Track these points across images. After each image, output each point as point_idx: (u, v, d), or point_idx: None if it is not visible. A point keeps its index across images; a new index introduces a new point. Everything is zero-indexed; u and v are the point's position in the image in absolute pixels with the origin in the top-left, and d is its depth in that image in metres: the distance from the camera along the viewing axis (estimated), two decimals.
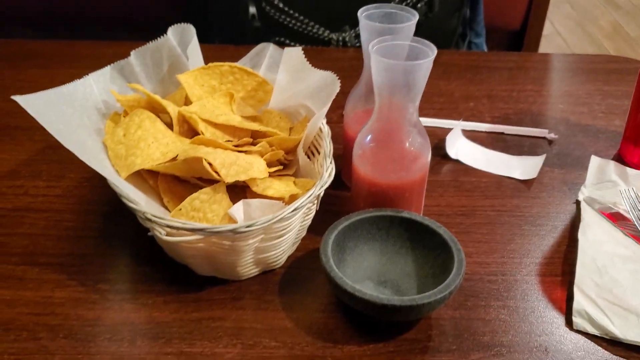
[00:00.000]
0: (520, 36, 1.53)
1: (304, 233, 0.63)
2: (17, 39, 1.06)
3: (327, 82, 0.64)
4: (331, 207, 0.67)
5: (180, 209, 0.55)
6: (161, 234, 0.52)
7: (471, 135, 0.80)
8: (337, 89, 0.62)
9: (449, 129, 0.80)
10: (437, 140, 0.79)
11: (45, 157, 0.76)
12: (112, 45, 1.02)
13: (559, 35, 2.82)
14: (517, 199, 0.70)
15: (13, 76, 0.94)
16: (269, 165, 0.62)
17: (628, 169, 0.72)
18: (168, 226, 0.52)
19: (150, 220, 0.52)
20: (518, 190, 0.71)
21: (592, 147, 0.79)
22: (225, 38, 1.11)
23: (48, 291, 0.57)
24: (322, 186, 0.57)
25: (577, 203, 0.69)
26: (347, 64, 0.97)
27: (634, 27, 2.84)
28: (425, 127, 0.82)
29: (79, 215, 0.66)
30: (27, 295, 0.57)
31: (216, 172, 0.56)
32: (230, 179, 0.56)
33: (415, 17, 0.61)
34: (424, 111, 0.85)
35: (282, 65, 0.68)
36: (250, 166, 0.58)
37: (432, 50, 0.55)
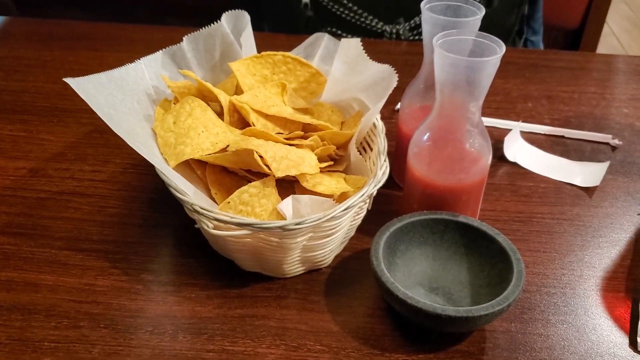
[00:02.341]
0: (577, 35, 1.48)
1: (353, 233, 0.60)
2: (68, 20, 1.06)
3: (384, 75, 0.62)
4: (380, 206, 0.64)
5: (229, 202, 0.53)
6: (209, 227, 0.50)
7: (530, 138, 0.76)
8: (395, 84, 0.60)
9: (506, 130, 0.76)
10: (494, 141, 0.75)
11: (91, 141, 0.75)
12: (163, 30, 1.01)
13: (613, 35, 2.72)
14: (577, 207, 0.66)
15: (63, 57, 0.94)
16: (320, 160, 0.60)
17: None
18: (216, 219, 0.50)
19: (198, 212, 0.50)
20: (579, 198, 0.68)
21: None
22: (277, 26, 1.09)
23: (91, 278, 0.56)
24: (375, 185, 0.55)
25: None
26: (400, 58, 0.94)
27: None
28: None
29: (124, 201, 0.65)
30: (69, 281, 0.56)
31: (267, 166, 0.54)
32: (280, 174, 0.54)
33: (481, 11, 0.58)
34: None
35: (337, 56, 0.65)
36: (302, 160, 0.56)
37: (500, 47, 0.52)
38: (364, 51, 0.64)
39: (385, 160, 0.57)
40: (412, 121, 0.64)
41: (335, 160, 0.63)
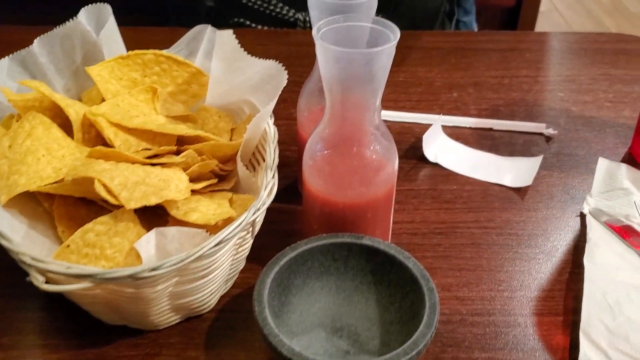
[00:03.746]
0: (515, 13, 1.41)
1: (243, 264, 0.50)
2: None
3: (271, 73, 0.52)
4: (284, 225, 0.55)
5: (69, 246, 0.43)
6: (39, 281, 0.40)
7: (453, 133, 0.67)
8: (284, 82, 0.50)
9: (428, 125, 0.67)
10: (414, 139, 0.66)
11: None
12: (46, 30, 0.89)
13: (556, 11, 2.68)
14: (507, 212, 0.58)
15: None
16: (198, 178, 0.50)
17: None
18: (48, 271, 0.39)
19: (25, 263, 0.40)
20: (509, 201, 0.59)
21: (598, 144, 0.67)
22: (179, 20, 0.98)
23: None
24: (257, 210, 0.45)
25: (582, 216, 0.57)
26: (313, 49, 0.84)
27: (635, 2, 2.70)
28: (401, 123, 0.70)
29: None
30: None
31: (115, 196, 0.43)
32: (134, 204, 0.43)
33: None
34: (399, 104, 0.72)
35: (215, 53, 0.55)
36: (166, 184, 0.46)
37: (393, 33, 0.42)
38: (240, 45, 0.54)
39: (273, 177, 0.48)
40: (311, 125, 0.54)
41: (222, 176, 0.53)
